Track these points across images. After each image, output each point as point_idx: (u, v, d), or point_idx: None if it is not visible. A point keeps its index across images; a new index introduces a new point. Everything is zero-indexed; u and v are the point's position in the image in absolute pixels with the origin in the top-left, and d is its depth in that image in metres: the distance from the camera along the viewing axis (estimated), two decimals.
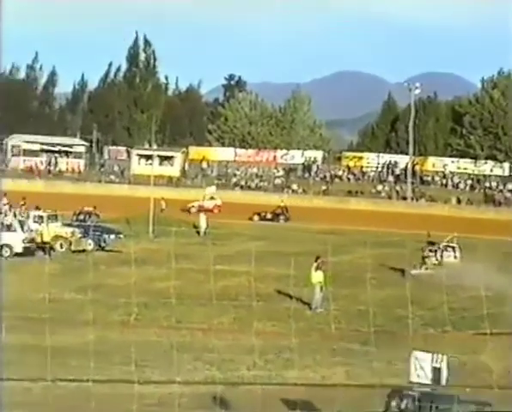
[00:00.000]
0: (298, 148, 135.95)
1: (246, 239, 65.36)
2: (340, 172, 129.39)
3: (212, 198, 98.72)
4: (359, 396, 23.08)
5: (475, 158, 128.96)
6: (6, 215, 60.33)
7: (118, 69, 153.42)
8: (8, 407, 19.40)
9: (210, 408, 22.56)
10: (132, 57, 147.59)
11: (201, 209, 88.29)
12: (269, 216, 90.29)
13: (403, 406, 21.02)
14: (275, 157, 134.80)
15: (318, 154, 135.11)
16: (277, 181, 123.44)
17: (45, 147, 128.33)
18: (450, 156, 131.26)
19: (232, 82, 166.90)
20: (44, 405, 19.24)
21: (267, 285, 44.81)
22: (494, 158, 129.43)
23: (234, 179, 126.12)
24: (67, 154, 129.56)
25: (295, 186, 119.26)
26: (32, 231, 57.73)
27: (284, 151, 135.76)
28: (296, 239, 67.09)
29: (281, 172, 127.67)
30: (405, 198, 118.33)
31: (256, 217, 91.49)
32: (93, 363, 25.34)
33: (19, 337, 26.94)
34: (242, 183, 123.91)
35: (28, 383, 23.10)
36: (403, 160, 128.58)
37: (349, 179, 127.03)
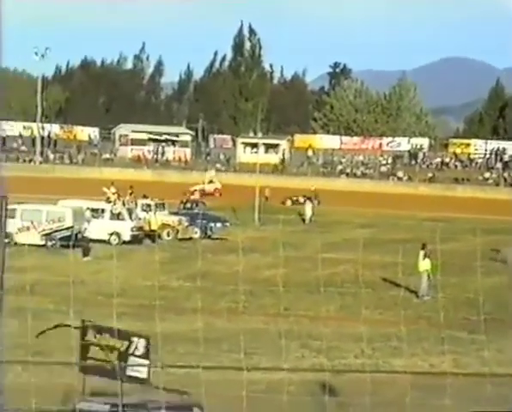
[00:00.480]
0: (404, 136, 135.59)
1: (354, 226, 65.02)
2: (447, 160, 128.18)
3: (211, 182, 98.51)
4: (468, 385, 22.77)
5: None
6: (115, 204, 60.52)
7: (224, 59, 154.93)
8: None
9: (318, 395, 22.52)
10: (237, 47, 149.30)
11: (202, 193, 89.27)
12: (301, 200, 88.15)
13: None
14: (381, 145, 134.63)
15: (424, 142, 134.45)
16: (383, 169, 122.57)
17: (152, 136, 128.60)
18: None
19: (337, 70, 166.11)
20: None
21: (374, 273, 44.55)
22: None
23: (339, 167, 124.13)
24: (174, 143, 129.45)
25: (400, 174, 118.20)
26: (140, 219, 58.07)
27: (390, 138, 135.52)
28: (403, 226, 66.50)
29: (388, 160, 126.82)
30: None
31: (289, 201, 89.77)
32: (201, 350, 25.54)
33: (129, 324, 27.08)
34: (348, 171, 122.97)
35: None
36: (511, 147, 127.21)
37: (456, 167, 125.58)
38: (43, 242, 49.68)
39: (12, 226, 37.39)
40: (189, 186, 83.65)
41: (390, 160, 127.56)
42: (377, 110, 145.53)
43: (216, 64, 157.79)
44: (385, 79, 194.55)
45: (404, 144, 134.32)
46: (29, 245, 45.25)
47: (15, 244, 36.68)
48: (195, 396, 19.18)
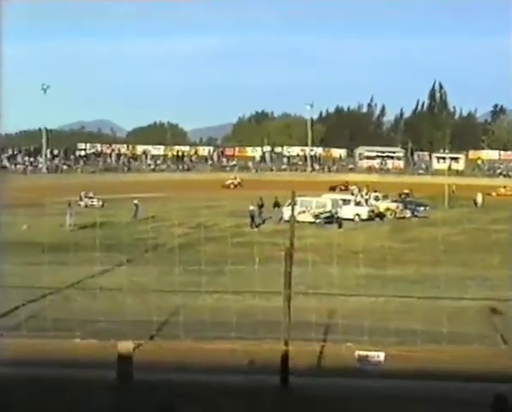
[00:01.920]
0: None
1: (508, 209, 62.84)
2: None
3: (235, 178, 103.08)
4: None
5: None
6: (357, 196, 62.08)
7: (423, 104, 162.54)
8: (356, 314, 19.68)
9: (490, 315, 21.93)
10: (431, 96, 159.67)
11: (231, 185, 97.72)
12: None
13: None
14: None
15: None
16: None
17: (378, 154, 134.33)
18: None
19: (497, 109, 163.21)
20: (384, 312, 19.34)
21: None
22: None
23: (498, 171, 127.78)
24: (392, 157, 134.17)
25: None
26: (372, 205, 58.84)
27: None
28: None
29: None
30: None
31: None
32: (416, 286, 25.43)
33: (368, 270, 27.19)
34: (504, 173, 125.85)
35: (373, 298, 23.28)
36: None
37: None
38: (313, 220, 50.50)
39: (296, 210, 38.02)
40: (402, 186, 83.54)
41: None
42: None
43: (419, 108, 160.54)
44: None
45: None
46: (305, 222, 46.36)
47: (297, 221, 37.42)
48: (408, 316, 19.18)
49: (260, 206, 52.84)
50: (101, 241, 26.54)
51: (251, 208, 49.99)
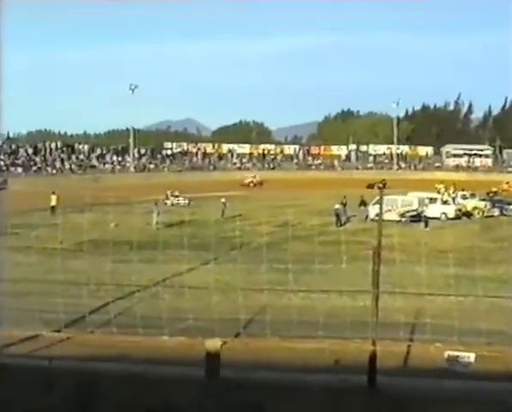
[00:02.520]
0: None
1: None
2: None
3: (254, 176, 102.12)
4: None
5: None
6: (443, 195, 61.17)
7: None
8: (445, 313, 19.34)
9: None
10: None
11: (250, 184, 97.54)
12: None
13: None
14: None
15: None
16: None
17: (466, 151, 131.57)
18: None
19: None
20: (473, 312, 18.94)
21: None
22: None
23: None
24: (480, 155, 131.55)
25: None
26: (459, 204, 57.89)
27: None
28: None
29: None
30: None
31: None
32: (506, 286, 24.76)
33: (457, 270, 26.60)
34: None
35: (461, 298, 22.79)
36: None
37: None
38: (399, 219, 49.85)
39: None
40: (490, 184, 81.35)
41: None
42: None
43: (507, 104, 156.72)
44: None
45: None
46: (391, 220, 45.84)
47: (383, 220, 37.04)
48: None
49: (344, 204, 52.60)
50: (188, 239, 26.80)
51: (336, 206, 49.90)
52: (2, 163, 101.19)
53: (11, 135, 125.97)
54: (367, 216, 50.35)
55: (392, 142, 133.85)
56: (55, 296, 19.17)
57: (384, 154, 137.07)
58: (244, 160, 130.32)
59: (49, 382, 11.23)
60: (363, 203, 54.66)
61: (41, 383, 11.16)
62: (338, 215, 49.22)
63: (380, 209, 15.54)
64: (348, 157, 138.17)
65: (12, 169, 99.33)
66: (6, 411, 9.95)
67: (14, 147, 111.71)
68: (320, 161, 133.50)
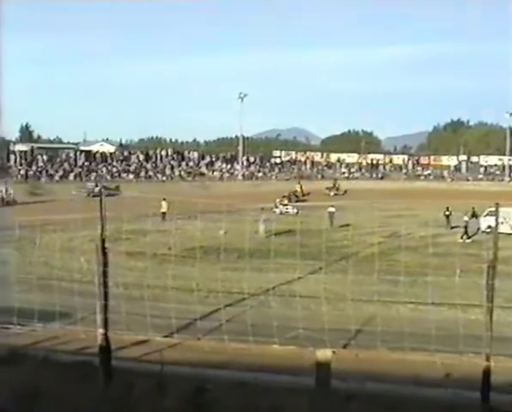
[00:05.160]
0: None
1: None
2: None
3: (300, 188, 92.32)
4: None
5: None
6: None
7: None
8: None
9: None
10: None
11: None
12: None
13: None
14: None
15: None
16: None
17: None
18: None
19: None
20: None
21: None
22: None
23: None
24: None
25: None
26: None
27: None
28: None
29: None
30: None
31: None
32: None
33: None
34: None
35: None
36: None
37: None
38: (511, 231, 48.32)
39: (492, 221, 36.64)
40: None
41: None
42: None
43: None
44: None
45: None
46: (503, 233, 44.51)
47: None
48: None
49: (448, 216, 51.55)
50: (295, 248, 26.89)
51: (465, 218, 49.13)
52: (114, 169, 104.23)
53: (124, 141, 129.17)
54: (478, 228, 49.13)
55: (504, 154, 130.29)
56: (165, 301, 19.55)
57: (495, 165, 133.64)
58: (352, 170, 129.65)
59: (162, 385, 11.48)
60: (474, 215, 53.32)
61: (155, 386, 11.43)
62: (465, 228, 48.50)
63: (496, 220, 15.14)
64: (458, 168, 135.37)
65: (124, 175, 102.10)
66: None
67: (126, 153, 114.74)
68: (429, 172, 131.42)
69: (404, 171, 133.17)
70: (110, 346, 13.60)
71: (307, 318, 18.10)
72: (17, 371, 12.79)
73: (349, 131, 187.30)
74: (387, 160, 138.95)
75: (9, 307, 18.66)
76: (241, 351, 15.19)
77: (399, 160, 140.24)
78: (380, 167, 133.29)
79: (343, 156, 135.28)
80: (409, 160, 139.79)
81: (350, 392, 11.58)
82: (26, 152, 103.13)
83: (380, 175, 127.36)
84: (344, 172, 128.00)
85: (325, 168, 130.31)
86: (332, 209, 54.09)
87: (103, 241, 14.12)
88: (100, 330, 13.66)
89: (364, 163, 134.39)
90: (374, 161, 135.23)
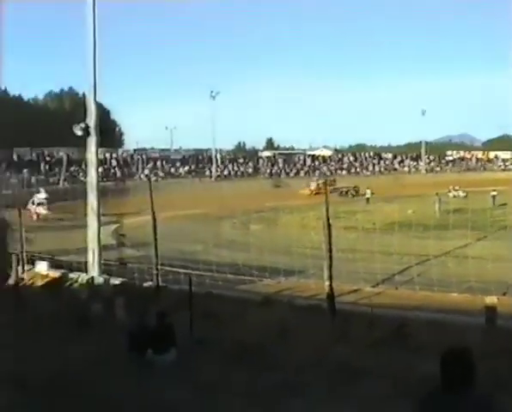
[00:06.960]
0: None
1: None
2: None
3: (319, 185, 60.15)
4: None
5: None
6: None
7: None
8: None
9: None
10: None
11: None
12: None
13: None
14: None
15: None
16: None
17: None
18: None
19: None
20: None
21: None
22: None
23: None
24: None
25: None
26: None
27: None
28: None
29: None
30: None
31: None
32: None
33: None
34: None
35: None
36: None
37: None
38: None
39: None
40: None
41: None
42: None
43: None
44: None
45: None
46: None
47: None
48: None
49: None
50: (464, 223, 25.65)
51: None
52: (332, 168, 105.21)
53: (338, 147, 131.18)
54: None
55: None
56: (371, 262, 19.49)
57: None
58: (507, 164, 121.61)
59: (372, 322, 11.52)
60: None
61: (367, 322, 11.49)
62: None
63: None
64: None
65: (338, 172, 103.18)
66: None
67: (340, 156, 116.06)
68: None
69: None
70: (333, 294, 13.87)
71: (476, 274, 17.15)
72: (270, 311, 13.39)
73: (503, 136, 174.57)
74: None
75: (263, 266, 19.63)
76: (429, 298, 14.84)
77: None
78: None
79: (499, 153, 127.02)
80: None
81: None
82: (269, 157, 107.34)
83: None
84: (500, 165, 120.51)
85: (486, 163, 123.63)
86: (493, 193, 50.51)
87: (328, 219, 14.41)
88: (327, 282, 13.98)
89: None
90: None
